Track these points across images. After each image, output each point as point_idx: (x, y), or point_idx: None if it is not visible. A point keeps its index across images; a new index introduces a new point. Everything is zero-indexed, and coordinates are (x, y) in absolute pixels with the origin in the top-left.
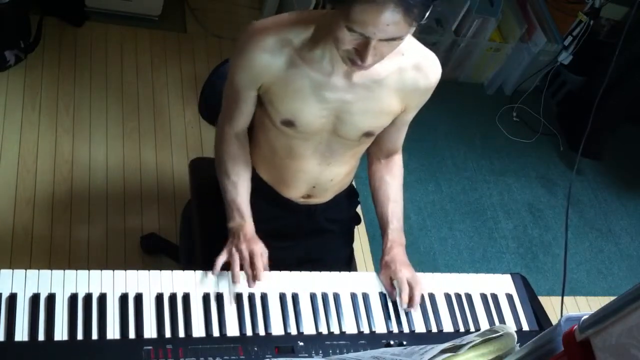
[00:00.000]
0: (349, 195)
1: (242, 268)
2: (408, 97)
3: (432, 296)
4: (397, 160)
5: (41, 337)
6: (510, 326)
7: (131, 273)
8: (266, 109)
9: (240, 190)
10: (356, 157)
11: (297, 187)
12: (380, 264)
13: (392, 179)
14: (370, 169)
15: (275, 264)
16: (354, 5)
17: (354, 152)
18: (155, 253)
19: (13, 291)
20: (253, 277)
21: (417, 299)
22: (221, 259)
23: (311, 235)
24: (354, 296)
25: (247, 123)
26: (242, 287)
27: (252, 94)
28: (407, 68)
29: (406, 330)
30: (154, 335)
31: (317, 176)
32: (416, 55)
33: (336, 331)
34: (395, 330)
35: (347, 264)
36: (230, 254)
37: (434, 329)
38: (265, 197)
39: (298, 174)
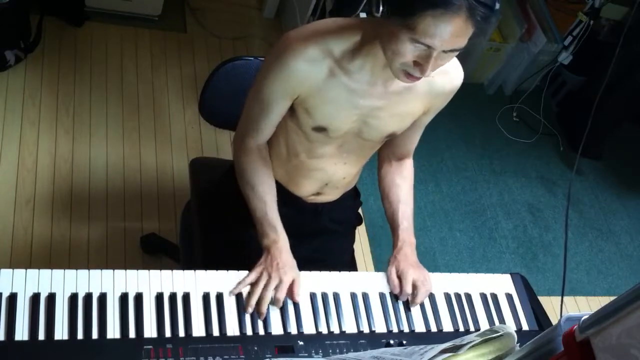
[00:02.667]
0: (354, 196)
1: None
2: (433, 100)
3: (432, 296)
4: (408, 164)
5: (41, 336)
6: (510, 326)
7: (131, 273)
8: (297, 115)
9: (269, 204)
10: (369, 156)
11: (310, 185)
12: (389, 260)
13: (402, 181)
14: (380, 171)
15: None
16: (423, 17)
17: (370, 152)
18: (155, 253)
19: (13, 291)
20: (260, 310)
21: (419, 299)
22: (250, 278)
23: (315, 235)
24: (354, 296)
25: (271, 134)
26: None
27: (286, 104)
28: (435, 74)
29: (406, 330)
30: (154, 334)
31: (332, 174)
32: None
33: (336, 331)
34: (395, 330)
35: (350, 264)
36: (259, 276)
37: (434, 329)
38: None
39: (313, 172)
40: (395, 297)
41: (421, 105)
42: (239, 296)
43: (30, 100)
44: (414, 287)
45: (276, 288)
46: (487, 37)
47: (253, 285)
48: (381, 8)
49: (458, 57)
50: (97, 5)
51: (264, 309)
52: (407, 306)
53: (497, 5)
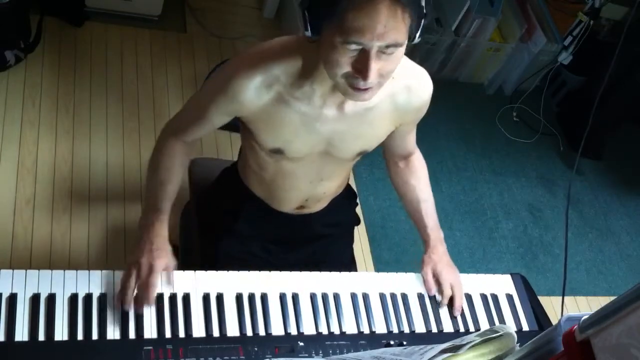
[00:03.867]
0: (347, 198)
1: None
2: (402, 116)
3: (432, 296)
4: (417, 161)
5: (41, 337)
6: (510, 326)
7: None
8: (252, 136)
9: (166, 191)
10: (349, 170)
11: (290, 202)
12: (423, 259)
13: (416, 180)
14: (390, 172)
15: (277, 267)
16: (346, 14)
17: (346, 167)
18: None
19: (13, 291)
20: (143, 299)
21: (458, 304)
22: (123, 276)
23: (310, 241)
24: (354, 296)
25: (198, 139)
26: (242, 287)
27: (223, 120)
28: (399, 91)
29: (406, 330)
30: (154, 335)
31: (309, 191)
32: (406, 76)
33: (336, 331)
34: (395, 330)
35: (350, 264)
36: (128, 270)
37: (434, 329)
38: (258, 211)
39: (290, 192)
40: (424, 297)
41: (389, 123)
42: (239, 296)
43: (30, 100)
44: (451, 289)
45: (147, 278)
46: (421, 31)
47: (125, 279)
48: (309, 27)
49: (458, 56)
50: (97, 5)
51: (144, 301)
52: (408, 307)
53: None
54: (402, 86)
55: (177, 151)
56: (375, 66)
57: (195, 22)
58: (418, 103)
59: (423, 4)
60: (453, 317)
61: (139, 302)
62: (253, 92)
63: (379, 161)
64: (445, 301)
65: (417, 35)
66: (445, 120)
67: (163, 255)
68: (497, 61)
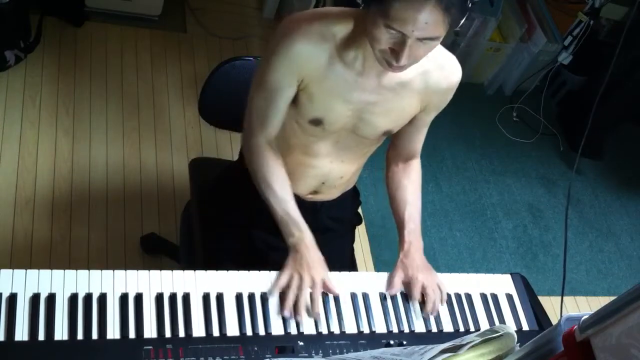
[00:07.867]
0: (353, 195)
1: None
2: (429, 97)
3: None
4: (415, 165)
5: (41, 337)
6: (510, 326)
7: (131, 273)
8: (298, 105)
9: (288, 202)
10: (367, 155)
11: (307, 183)
12: (396, 263)
13: (409, 182)
14: (388, 173)
15: (278, 265)
16: (394, 3)
17: (368, 150)
18: (155, 253)
19: (13, 291)
20: (312, 310)
21: (429, 307)
22: (282, 282)
23: (314, 234)
24: (354, 296)
25: (279, 126)
26: (242, 287)
27: (292, 90)
28: (431, 69)
29: (406, 330)
30: (154, 335)
31: (328, 173)
32: (439, 56)
33: (336, 331)
34: (395, 330)
35: (350, 263)
36: (290, 278)
37: (434, 329)
38: None
39: (309, 169)
40: (405, 297)
41: (417, 102)
42: (239, 296)
43: (30, 100)
44: (423, 293)
45: (311, 289)
46: (458, 27)
47: (286, 288)
48: None
49: (458, 56)
50: (97, 5)
51: (302, 311)
52: (408, 306)
53: None
54: (436, 65)
55: (271, 157)
56: (408, 52)
57: (195, 22)
58: (446, 85)
59: (469, 3)
60: (409, 310)
61: (299, 311)
62: (313, 45)
63: (379, 162)
64: (414, 304)
65: (459, 25)
66: (445, 120)
67: (320, 269)
68: (497, 61)
